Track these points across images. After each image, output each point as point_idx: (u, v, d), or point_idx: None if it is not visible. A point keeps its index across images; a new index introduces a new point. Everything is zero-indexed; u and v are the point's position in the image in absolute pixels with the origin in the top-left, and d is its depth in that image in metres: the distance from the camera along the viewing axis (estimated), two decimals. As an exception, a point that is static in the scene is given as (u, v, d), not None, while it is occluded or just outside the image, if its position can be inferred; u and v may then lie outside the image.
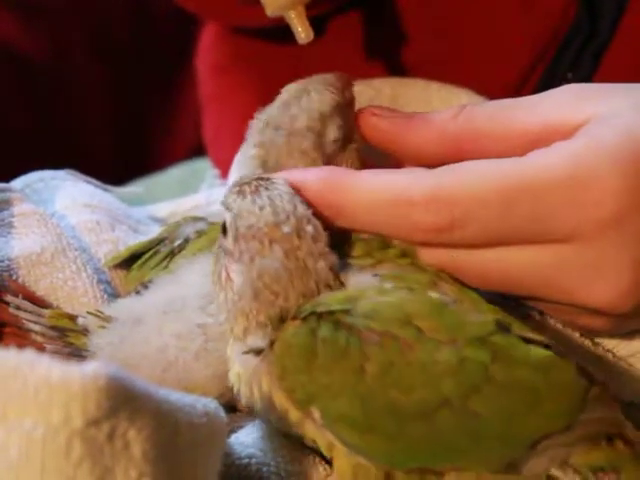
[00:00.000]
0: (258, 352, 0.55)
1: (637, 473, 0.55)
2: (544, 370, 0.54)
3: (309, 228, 0.56)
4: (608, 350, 0.65)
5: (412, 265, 0.58)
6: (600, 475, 0.55)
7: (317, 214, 0.58)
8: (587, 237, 0.55)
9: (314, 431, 0.55)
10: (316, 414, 0.54)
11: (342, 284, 0.56)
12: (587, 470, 0.55)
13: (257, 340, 0.56)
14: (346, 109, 0.64)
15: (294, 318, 0.55)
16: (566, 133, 0.57)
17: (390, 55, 0.84)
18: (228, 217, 0.57)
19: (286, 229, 0.55)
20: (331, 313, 0.54)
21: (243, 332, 0.56)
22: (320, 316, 0.54)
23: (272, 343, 0.55)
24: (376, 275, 0.57)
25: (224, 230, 0.57)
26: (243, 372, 0.56)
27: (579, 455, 0.55)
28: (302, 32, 0.66)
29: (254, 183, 0.57)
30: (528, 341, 0.55)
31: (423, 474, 0.55)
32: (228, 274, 0.57)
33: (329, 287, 0.56)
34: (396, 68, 0.83)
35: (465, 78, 0.78)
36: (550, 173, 0.55)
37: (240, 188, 0.57)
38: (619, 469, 0.55)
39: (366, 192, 0.57)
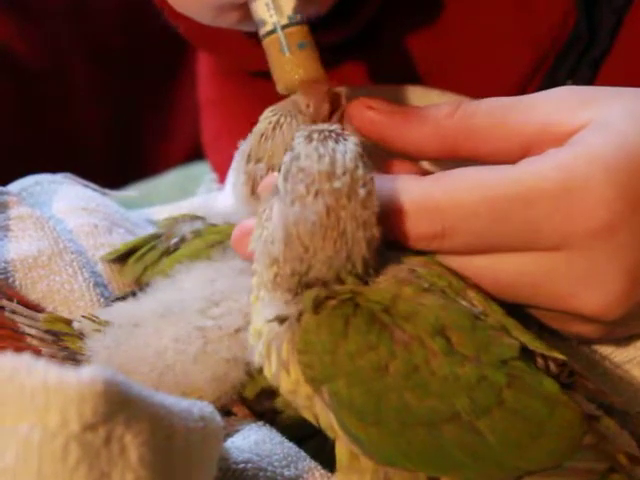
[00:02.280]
0: (283, 320, 0.55)
1: None
2: (551, 405, 0.53)
3: (362, 191, 0.53)
4: (605, 357, 0.65)
5: (439, 265, 0.57)
6: None
7: None
8: (578, 246, 0.55)
9: (321, 409, 0.55)
10: (326, 395, 0.53)
11: (374, 269, 0.55)
12: None
13: (282, 305, 0.55)
14: (325, 121, 0.64)
15: (330, 297, 0.54)
16: (561, 136, 0.58)
17: (391, 63, 0.84)
18: (287, 156, 0.55)
19: (337, 184, 0.53)
20: (369, 304, 0.53)
21: (273, 279, 0.55)
22: (357, 305, 0.53)
23: (300, 315, 0.54)
24: (413, 271, 0.56)
25: (279, 169, 0.55)
26: (265, 331, 0.55)
27: None
28: None
29: (325, 132, 0.55)
30: (545, 358, 0.55)
31: (416, 473, 0.55)
32: (271, 212, 0.55)
33: (355, 266, 0.54)
34: (397, 76, 0.83)
35: (465, 86, 0.78)
36: (541, 183, 0.55)
37: (310, 134, 0.55)
38: None
39: None
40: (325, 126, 0.56)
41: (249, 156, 0.64)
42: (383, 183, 0.57)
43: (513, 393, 0.53)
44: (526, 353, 0.55)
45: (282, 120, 0.63)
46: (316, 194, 0.53)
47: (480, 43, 0.81)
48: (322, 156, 0.54)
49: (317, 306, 0.54)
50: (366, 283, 0.55)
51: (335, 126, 0.56)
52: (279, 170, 0.55)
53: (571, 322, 0.59)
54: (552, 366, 0.56)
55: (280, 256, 0.54)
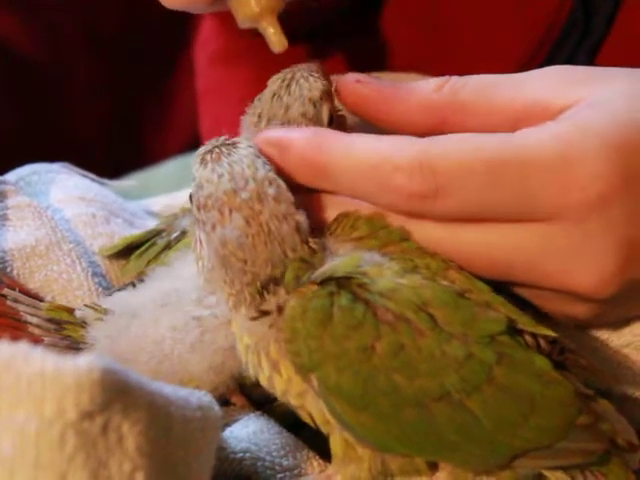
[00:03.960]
0: (265, 314, 0.55)
1: (624, 476, 0.56)
2: (543, 382, 0.54)
3: (270, 190, 0.55)
4: (602, 342, 0.64)
5: (418, 250, 0.57)
6: (587, 474, 0.55)
7: (301, 175, 0.57)
8: (572, 219, 0.55)
9: (312, 404, 0.55)
10: (315, 382, 0.53)
11: (311, 248, 0.55)
12: (576, 470, 0.55)
13: (250, 310, 0.55)
14: (330, 95, 0.64)
15: (312, 283, 0.54)
16: (550, 114, 0.57)
17: (385, 51, 0.84)
18: (192, 188, 0.57)
19: (244, 195, 0.55)
20: (348, 279, 0.54)
21: (228, 300, 0.56)
22: (339, 284, 0.54)
23: (280, 309, 0.55)
24: (385, 255, 0.56)
25: (190, 200, 0.57)
26: (251, 341, 0.56)
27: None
28: (275, 42, 0.65)
29: (216, 150, 0.57)
30: (535, 336, 0.55)
31: (412, 459, 0.55)
32: (201, 243, 0.56)
33: (295, 251, 0.55)
34: (391, 64, 0.83)
35: (460, 74, 0.78)
36: (539, 151, 0.55)
37: (203, 157, 0.57)
38: (607, 473, 0.55)
39: (350, 154, 0.57)
40: (215, 142, 0.57)
41: (259, 116, 0.63)
42: (380, 141, 0.57)
43: (503, 370, 0.53)
44: (515, 331, 0.55)
45: (297, 76, 0.63)
46: (230, 212, 0.55)
47: (475, 31, 0.81)
48: (221, 175, 0.55)
49: (297, 281, 0.54)
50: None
51: (222, 139, 0.57)
52: (190, 199, 0.57)
53: (564, 302, 0.59)
54: (543, 343, 0.56)
55: (225, 278, 0.55)
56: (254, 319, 0.56)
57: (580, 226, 0.55)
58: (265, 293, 0.55)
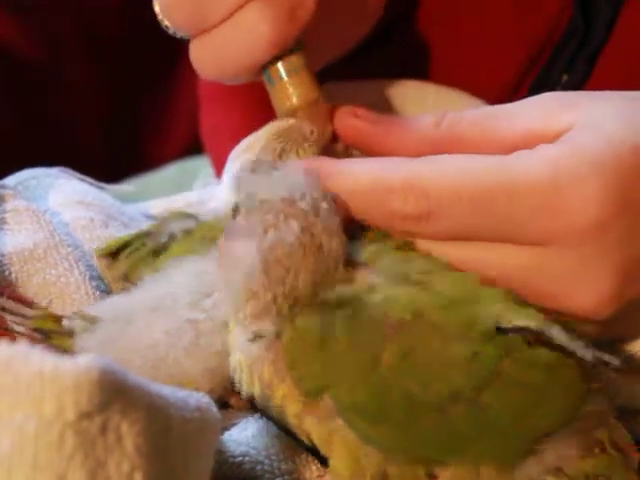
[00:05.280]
0: (260, 337, 0.55)
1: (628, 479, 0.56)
2: (549, 370, 0.54)
3: (324, 205, 0.55)
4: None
5: (410, 253, 0.57)
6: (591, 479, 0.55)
7: None
8: (567, 243, 0.55)
9: (313, 426, 0.55)
10: (329, 402, 0.53)
11: (351, 266, 0.55)
12: (580, 475, 0.55)
13: (265, 326, 0.55)
14: (330, 141, 0.64)
15: (307, 306, 0.54)
16: (547, 140, 0.57)
17: (387, 58, 0.84)
18: (241, 195, 0.56)
19: (302, 205, 0.55)
20: (346, 300, 0.54)
21: (252, 315, 0.55)
22: (335, 304, 0.54)
23: (278, 334, 0.54)
24: (381, 273, 0.56)
25: (235, 210, 0.56)
26: (245, 359, 0.56)
27: (572, 463, 0.55)
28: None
29: (266, 163, 0.57)
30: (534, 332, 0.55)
31: (415, 472, 0.55)
32: (236, 254, 0.55)
33: (337, 267, 0.55)
34: (392, 71, 0.82)
35: (461, 80, 0.79)
36: (530, 176, 0.55)
37: (253, 167, 0.57)
38: (610, 475, 0.56)
39: (347, 178, 0.57)
40: (262, 161, 0.58)
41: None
42: (374, 162, 0.58)
43: (511, 362, 0.53)
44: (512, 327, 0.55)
45: (288, 148, 0.63)
46: (286, 218, 0.54)
47: (475, 36, 0.81)
48: (277, 185, 0.55)
49: (295, 314, 0.54)
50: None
51: (271, 161, 0.58)
52: (233, 211, 0.56)
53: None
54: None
55: (262, 287, 0.55)
56: (251, 341, 0.55)
57: (576, 250, 0.55)
58: (285, 311, 0.54)
